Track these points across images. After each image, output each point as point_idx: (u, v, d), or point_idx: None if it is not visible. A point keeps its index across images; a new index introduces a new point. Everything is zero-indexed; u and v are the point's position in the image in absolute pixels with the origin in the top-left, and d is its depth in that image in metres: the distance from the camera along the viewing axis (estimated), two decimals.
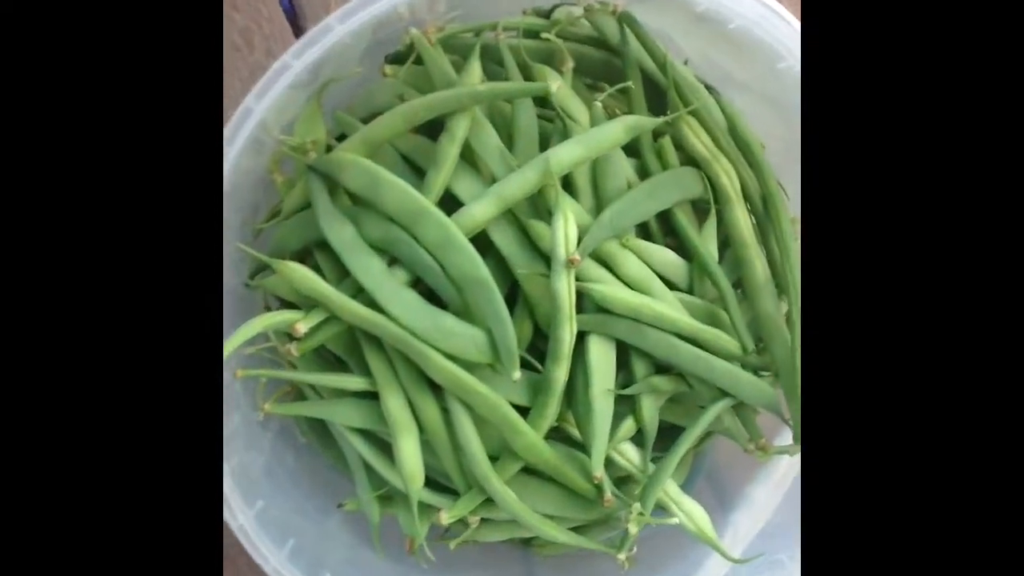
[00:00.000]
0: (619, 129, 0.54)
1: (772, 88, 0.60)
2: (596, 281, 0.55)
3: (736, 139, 0.62)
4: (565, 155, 0.54)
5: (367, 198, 0.55)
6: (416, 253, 0.54)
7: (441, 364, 0.54)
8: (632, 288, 0.56)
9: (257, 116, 0.51)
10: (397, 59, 0.62)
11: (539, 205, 0.56)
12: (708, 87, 0.64)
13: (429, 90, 0.58)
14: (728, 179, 0.60)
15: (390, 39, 0.56)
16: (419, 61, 0.57)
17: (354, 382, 0.57)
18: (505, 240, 0.56)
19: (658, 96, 0.62)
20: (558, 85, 0.53)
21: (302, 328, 0.55)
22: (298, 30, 0.84)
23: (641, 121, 0.55)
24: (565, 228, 0.52)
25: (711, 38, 0.58)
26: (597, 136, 0.54)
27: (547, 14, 0.62)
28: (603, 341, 0.56)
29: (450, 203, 0.56)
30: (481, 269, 0.53)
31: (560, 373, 0.55)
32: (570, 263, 0.52)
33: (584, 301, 0.56)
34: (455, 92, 0.53)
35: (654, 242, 0.60)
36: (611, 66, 0.62)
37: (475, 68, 0.54)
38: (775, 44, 0.55)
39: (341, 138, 0.62)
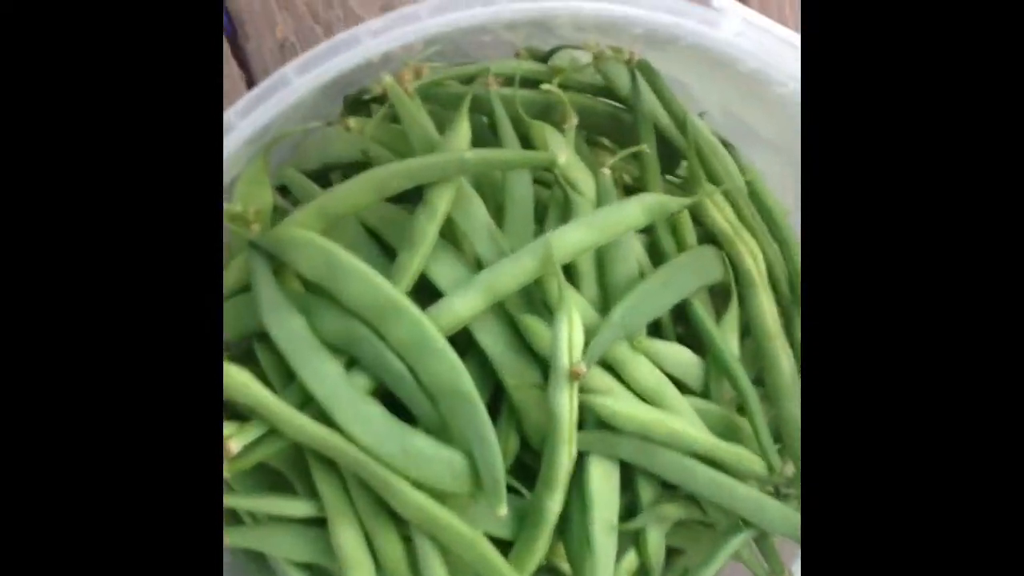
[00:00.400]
0: (637, 211, 0.46)
1: None
2: (601, 392, 0.47)
3: (757, 205, 0.54)
4: (571, 240, 0.45)
5: (323, 286, 0.45)
6: (382, 356, 0.45)
7: (408, 496, 0.45)
8: (642, 399, 0.48)
9: None
10: (357, 104, 0.53)
11: (532, 293, 0.47)
12: (725, 143, 0.56)
13: (402, 149, 0.49)
14: (752, 259, 0.52)
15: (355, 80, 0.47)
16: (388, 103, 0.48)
17: (298, 507, 0.48)
18: (491, 339, 0.47)
19: (668, 152, 0.54)
20: (566, 155, 0.44)
21: (235, 447, 0.45)
22: (237, 51, 0.74)
23: (664, 202, 0.46)
24: (569, 332, 0.43)
25: (744, 94, 0.50)
26: (610, 218, 0.46)
27: (545, 58, 0.53)
28: (606, 463, 0.48)
29: (425, 290, 0.47)
30: (463, 379, 0.44)
31: (554, 503, 0.46)
32: (573, 375, 0.43)
33: (584, 413, 0.47)
34: (439, 160, 0.44)
35: (665, 335, 0.51)
36: (618, 120, 0.54)
37: (463, 129, 0.45)
38: None
39: (283, 190, 0.53)
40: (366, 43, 0.39)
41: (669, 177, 0.57)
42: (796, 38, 0.44)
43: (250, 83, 0.76)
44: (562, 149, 0.46)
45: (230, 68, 0.76)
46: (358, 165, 0.53)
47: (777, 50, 0.44)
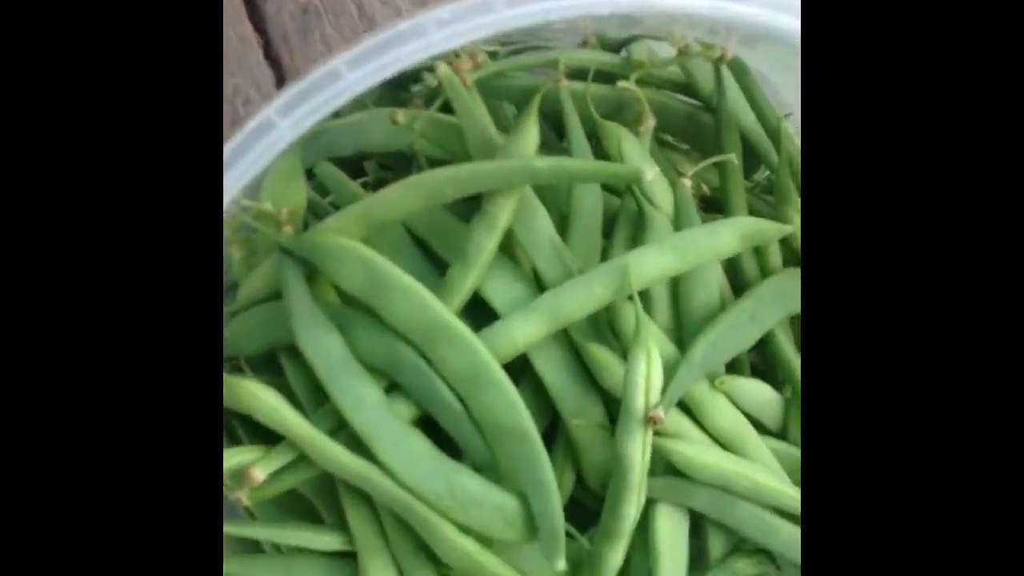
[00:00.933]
0: (731, 238, 0.43)
1: None
2: (676, 436, 0.44)
3: None
4: (652, 266, 0.42)
5: (365, 301, 0.42)
6: (429, 383, 0.43)
7: (454, 540, 0.42)
8: (720, 443, 0.45)
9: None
10: (397, 86, 0.49)
11: (599, 317, 0.44)
12: None
13: (454, 148, 0.45)
14: None
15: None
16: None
17: (326, 540, 0.46)
18: (551, 368, 0.44)
19: (750, 155, 0.51)
20: (653, 172, 0.41)
21: (260, 475, 0.43)
22: (254, 12, 0.71)
23: (763, 230, 0.43)
24: (647, 373, 0.40)
25: None
26: (699, 244, 0.43)
27: (617, 47, 0.49)
28: (676, 513, 0.45)
29: (477, 307, 0.44)
30: (521, 417, 0.42)
31: (615, 556, 0.43)
32: (650, 421, 0.40)
33: (654, 457, 0.44)
34: (504, 167, 0.41)
35: (741, 368, 0.48)
36: (694, 120, 0.51)
37: (531, 132, 0.42)
38: None
39: (309, 174, 0.49)
40: (432, 35, 0.36)
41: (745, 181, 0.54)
42: None
43: (267, 48, 0.73)
44: (647, 163, 0.43)
45: (244, 30, 0.72)
46: (398, 155, 0.50)
47: None
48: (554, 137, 0.47)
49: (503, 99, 0.47)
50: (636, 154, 0.46)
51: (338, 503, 0.45)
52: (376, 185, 0.50)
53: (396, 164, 0.51)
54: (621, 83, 0.45)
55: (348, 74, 0.36)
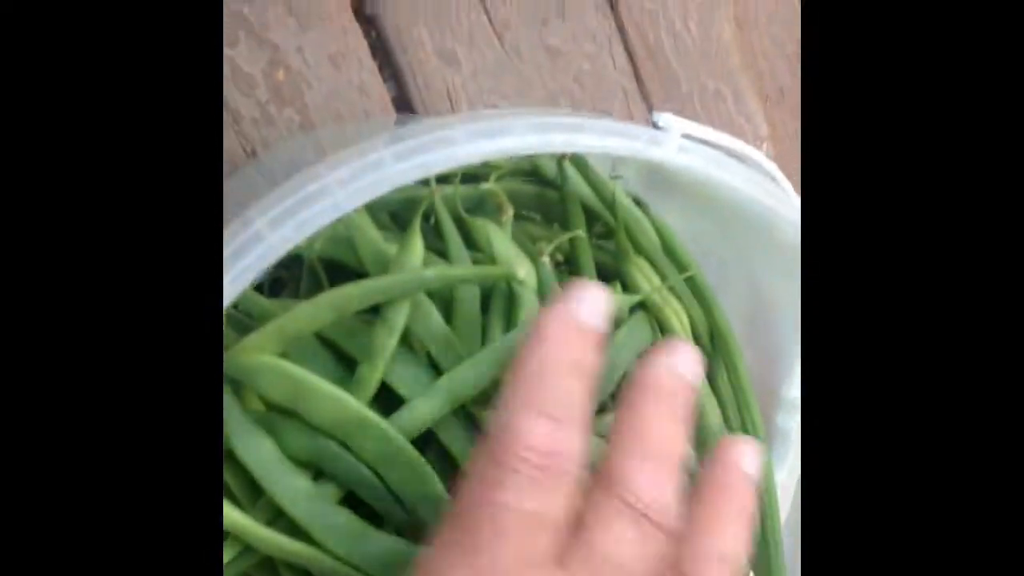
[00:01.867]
0: None
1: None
2: None
3: (674, 262, 0.63)
4: None
5: (290, 407, 0.50)
6: (351, 468, 0.51)
7: None
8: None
9: None
10: None
11: (488, 389, 0.54)
12: (638, 202, 0.64)
13: (348, 257, 0.54)
14: (679, 321, 0.61)
15: None
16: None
17: None
18: (452, 438, 0.53)
19: (589, 215, 0.61)
20: (526, 271, 0.50)
21: None
22: None
23: (616, 302, 0.54)
24: None
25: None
26: None
27: None
28: None
29: (387, 395, 0.53)
30: (434, 485, 0.51)
31: None
32: None
33: None
34: (398, 280, 0.50)
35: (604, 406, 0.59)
36: (543, 198, 0.61)
37: (416, 246, 0.51)
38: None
39: None
40: (336, 195, 0.43)
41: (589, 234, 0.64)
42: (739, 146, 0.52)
43: None
44: (518, 257, 0.52)
45: None
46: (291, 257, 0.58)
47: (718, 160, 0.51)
48: (435, 237, 0.56)
49: (385, 210, 0.55)
50: (502, 242, 0.55)
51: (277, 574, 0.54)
52: (272, 285, 0.58)
53: (289, 263, 0.58)
54: (484, 185, 0.55)
55: (270, 236, 0.43)
